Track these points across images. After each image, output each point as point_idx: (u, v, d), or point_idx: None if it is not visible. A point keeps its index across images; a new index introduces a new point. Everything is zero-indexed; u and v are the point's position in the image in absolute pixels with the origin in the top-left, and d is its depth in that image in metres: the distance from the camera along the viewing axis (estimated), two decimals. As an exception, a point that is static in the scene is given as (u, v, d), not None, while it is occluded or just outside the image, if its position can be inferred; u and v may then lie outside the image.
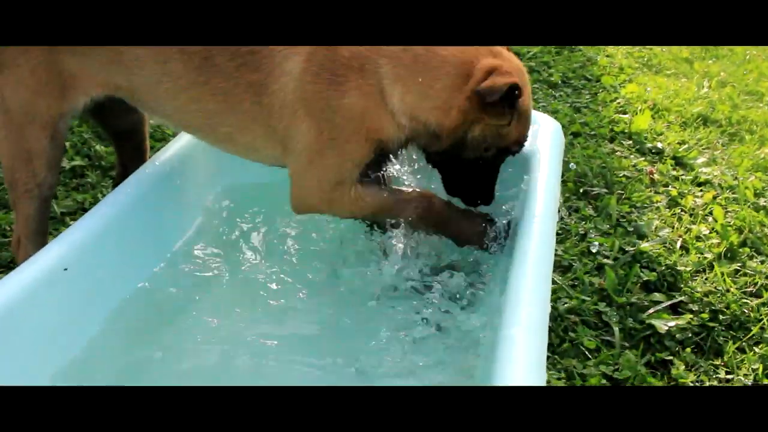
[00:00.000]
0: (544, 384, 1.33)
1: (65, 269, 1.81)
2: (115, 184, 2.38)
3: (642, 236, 2.75)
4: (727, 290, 2.48)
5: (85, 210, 2.56)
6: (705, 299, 2.44)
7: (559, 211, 2.84)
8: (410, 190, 2.04)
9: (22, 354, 1.70)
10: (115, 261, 1.97)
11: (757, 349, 2.26)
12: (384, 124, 1.87)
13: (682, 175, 3.28)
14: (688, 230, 2.82)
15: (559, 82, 4.26)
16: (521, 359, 1.33)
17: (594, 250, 2.62)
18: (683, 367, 2.17)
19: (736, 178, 3.24)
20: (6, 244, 2.56)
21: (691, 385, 2.11)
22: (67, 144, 3.13)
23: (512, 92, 1.80)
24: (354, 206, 1.98)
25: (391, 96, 1.85)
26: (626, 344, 2.24)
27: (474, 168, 1.97)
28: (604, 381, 2.07)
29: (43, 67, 1.93)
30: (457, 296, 2.00)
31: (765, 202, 3.05)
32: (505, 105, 1.84)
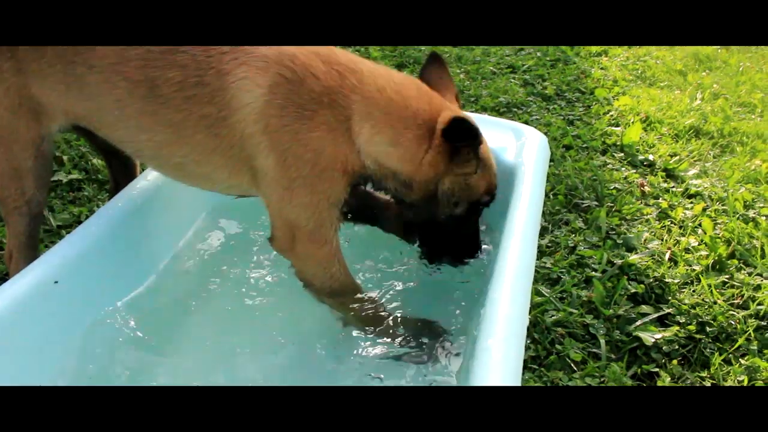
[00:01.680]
0: (519, 396, 1.34)
1: (56, 282, 1.85)
2: (110, 198, 2.41)
3: (631, 249, 2.78)
4: (715, 302, 2.50)
5: (81, 223, 2.60)
6: (692, 311, 2.45)
7: (547, 223, 2.87)
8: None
9: (12, 364, 1.72)
10: (105, 274, 2.00)
11: (743, 361, 2.28)
12: (351, 160, 1.84)
13: (673, 187, 3.30)
14: (677, 242, 2.84)
15: (553, 94, 4.29)
16: (496, 370, 1.35)
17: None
18: (669, 379, 2.18)
19: (726, 190, 3.26)
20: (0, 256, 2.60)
21: (677, 396, 2.12)
22: (65, 158, 3.18)
23: (473, 133, 1.82)
24: (323, 265, 1.92)
25: (358, 134, 1.83)
26: (612, 356, 2.26)
27: (451, 227, 1.99)
28: (589, 393, 2.09)
29: (14, 90, 1.95)
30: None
31: (754, 213, 3.07)
32: (470, 151, 1.87)
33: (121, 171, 2.39)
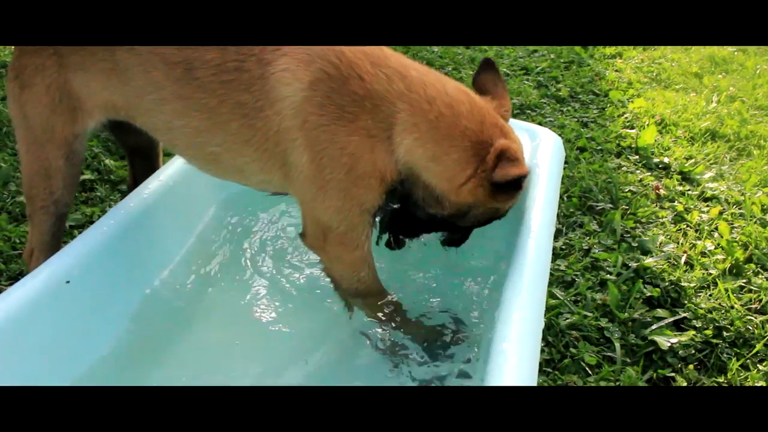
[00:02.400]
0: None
1: (67, 282, 1.85)
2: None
3: (646, 252, 2.74)
4: (732, 307, 2.46)
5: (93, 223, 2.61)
6: (709, 315, 2.42)
7: (561, 226, 2.84)
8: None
9: (24, 363, 1.72)
10: (117, 273, 2.00)
11: (761, 366, 2.24)
12: (389, 169, 1.77)
13: (689, 190, 3.26)
14: (693, 246, 2.80)
15: (567, 97, 4.26)
16: (512, 373, 1.33)
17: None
18: (685, 384, 2.15)
19: (743, 194, 3.22)
20: (16, 256, 2.61)
21: (693, 402, 2.09)
22: (77, 158, 3.18)
23: (522, 180, 1.78)
24: (352, 268, 1.90)
25: (399, 144, 1.75)
26: (628, 360, 2.23)
27: (464, 227, 1.98)
28: (604, 397, 2.06)
29: (56, 87, 1.94)
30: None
31: (772, 217, 3.03)
32: (513, 191, 1.82)
33: (145, 172, 2.37)
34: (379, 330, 1.95)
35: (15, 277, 2.42)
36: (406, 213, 1.96)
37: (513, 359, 1.36)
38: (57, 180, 2.04)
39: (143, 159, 2.40)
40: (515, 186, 1.78)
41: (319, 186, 1.79)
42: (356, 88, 1.73)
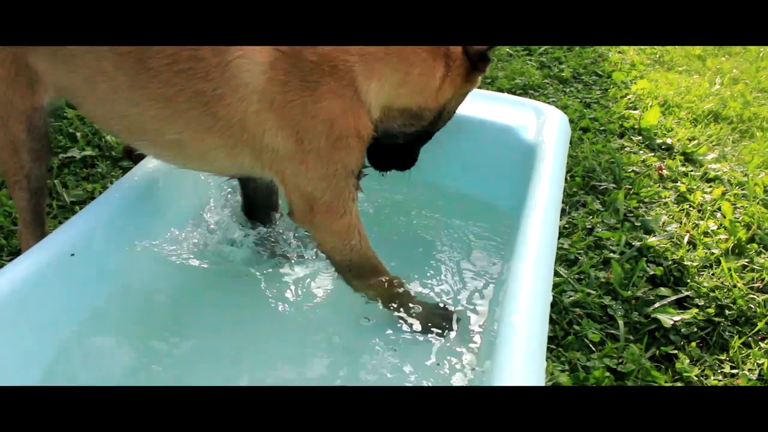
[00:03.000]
0: (543, 371, 1.33)
1: (72, 254, 1.84)
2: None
3: (649, 231, 2.74)
4: (734, 285, 2.47)
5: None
6: (711, 294, 2.42)
7: (564, 205, 2.84)
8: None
9: (25, 337, 1.72)
10: (119, 248, 1.99)
11: (762, 345, 2.25)
12: (363, 123, 1.80)
13: (692, 171, 3.26)
14: (696, 226, 2.80)
15: (570, 77, 4.24)
16: (521, 346, 1.33)
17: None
18: (688, 361, 2.16)
19: (745, 175, 3.22)
20: (17, 231, 2.60)
21: (695, 379, 2.10)
22: (78, 134, 3.17)
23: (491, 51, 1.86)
24: (343, 237, 1.90)
25: (366, 92, 1.79)
26: (631, 338, 2.24)
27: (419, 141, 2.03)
28: (607, 374, 2.07)
29: (11, 60, 1.92)
30: None
31: (775, 198, 3.03)
32: (485, 65, 1.90)
33: None
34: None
35: (16, 252, 2.42)
36: (378, 148, 1.98)
37: (522, 332, 1.36)
38: (24, 154, 2.04)
39: None
40: (487, 59, 1.86)
41: (300, 160, 1.81)
42: (310, 56, 1.74)
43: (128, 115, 1.89)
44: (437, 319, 1.96)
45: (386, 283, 1.95)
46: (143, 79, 1.79)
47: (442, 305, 2.00)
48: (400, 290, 1.96)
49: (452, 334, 1.91)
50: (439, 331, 1.92)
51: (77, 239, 1.86)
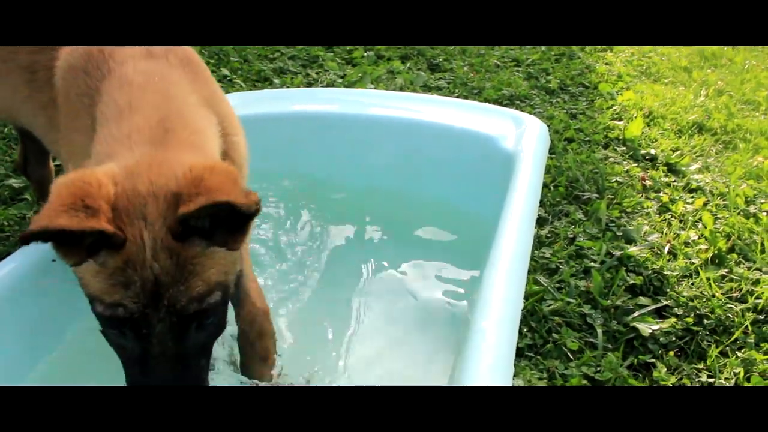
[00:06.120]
0: (510, 377, 1.34)
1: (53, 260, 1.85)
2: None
3: (630, 241, 2.77)
4: (713, 295, 2.49)
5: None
6: (690, 304, 2.44)
7: (547, 214, 2.86)
8: None
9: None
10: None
11: (739, 353, 2.27)
12: None
13: (674, 181, 3.29)
14: (677, 236, 2.83)
15: (557, 88, 4.28)
16: (489, 352, 1.35)
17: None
18: (665, 369, 2.17)
19: (727, 186, 3.25)
20: (3, 238, 2.62)
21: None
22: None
23: None
24: None
25: None
26: (609, 346, 2.25)
27: None
28: (585, 382, 2.09)
29: None
30: None
31: (755, 209, 3.05)
32: None
33: (34, 153, 2.45)
34: None
35: (1, 258, 2.42)
36: None
37: (491, 338, 1.38)
38: None
39: (33, 141, 2.41)
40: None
41: None
42: None
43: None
44: None
45: None
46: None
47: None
48: None
49: None
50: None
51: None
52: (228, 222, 1.28)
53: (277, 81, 4.15)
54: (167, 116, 1.46)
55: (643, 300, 2.45)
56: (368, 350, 1.95)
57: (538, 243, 2.67)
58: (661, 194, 3.15)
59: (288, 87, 3.97)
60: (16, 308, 1.73)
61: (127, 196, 1.25)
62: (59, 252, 1.27)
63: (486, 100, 3.91)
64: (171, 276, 1.25)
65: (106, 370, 1.76)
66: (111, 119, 1.47)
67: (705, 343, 2.31)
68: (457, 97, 3.80)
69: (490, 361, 1.33)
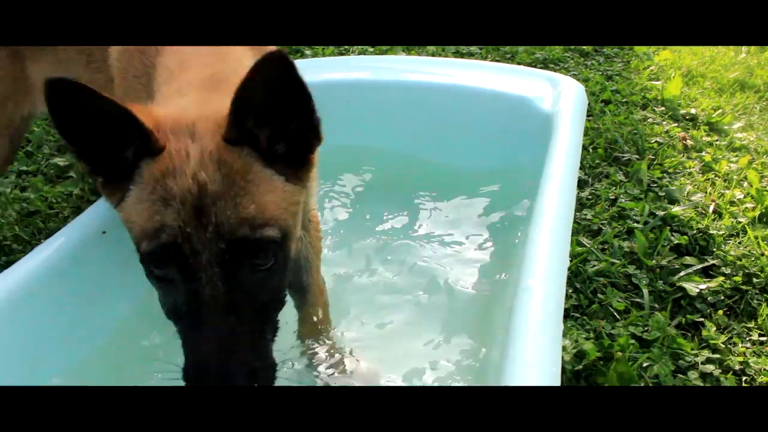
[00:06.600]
0: (560, 334, 1.33)
1: (104, 232, 1.88)
2: None
3: (673, 201, 2.71)
4: (762, 254, 2.43)
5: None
6: (738, 263, 2.39)
7: (587, 177, 2.82)
8: None
9: (71, 305, 1.78)
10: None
11: (791, 311, 2.21)
12: None
13: (717, 140, 3.20)
14: (722, 195, 2.76)
15: (591, 50, 4.19)
16: (537, 310, 1.33)
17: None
18: (714, 329, 2.13)
19: (773, 143, 3.16)
20: (53, 215, 2.68)
21: (722, 346, 2.07)
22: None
23: None
24: None
25: None
26: (656, 306, 2.22)
27: None
28: (632, 341, 2.05)
29: (11, 76, 2.05)
30: None
31: (803, 165, 2.96)
32: None
33: None
34: None
35: (52, 234, 2.48)
36: None
37: (539, 295, 1.36)
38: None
39: None
40: None
41: None
42: None
43: None
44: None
45: None
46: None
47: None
48: None
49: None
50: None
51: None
52: (289, 145, 1.22)
53: (308, 52, 4.13)
54: (221, 71, 1.41)
55: (689, 260, 2.40)
56: (409, 316, 1.95)
57: (580, 205, 2.63)
58: (703, 154, 3.07)
59: (319, 57, 3.95)
60: (65, 282, 1.76)
61: (173, 118, 1.21)
62: (104, 188, 1.25)
63: (519, 64, 3.85)
64: (218, 187, 1.16)
65: (154, 342, 1.82)
66: (163, 83, 1.46)
67: (755, 301, 2.26)
68: (491, 61, 3.74)
69: (538, 317, 1.31)
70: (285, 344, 1.73)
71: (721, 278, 2.31)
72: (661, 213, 2.60)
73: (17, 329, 1.58)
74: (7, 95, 2.09)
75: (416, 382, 1.68)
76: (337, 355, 1.73)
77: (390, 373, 1.71)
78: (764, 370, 2.00)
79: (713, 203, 2.69)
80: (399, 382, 1.68)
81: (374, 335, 1.85)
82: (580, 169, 2.69)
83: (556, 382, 1.20)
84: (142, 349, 1.81)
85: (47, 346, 1.66)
